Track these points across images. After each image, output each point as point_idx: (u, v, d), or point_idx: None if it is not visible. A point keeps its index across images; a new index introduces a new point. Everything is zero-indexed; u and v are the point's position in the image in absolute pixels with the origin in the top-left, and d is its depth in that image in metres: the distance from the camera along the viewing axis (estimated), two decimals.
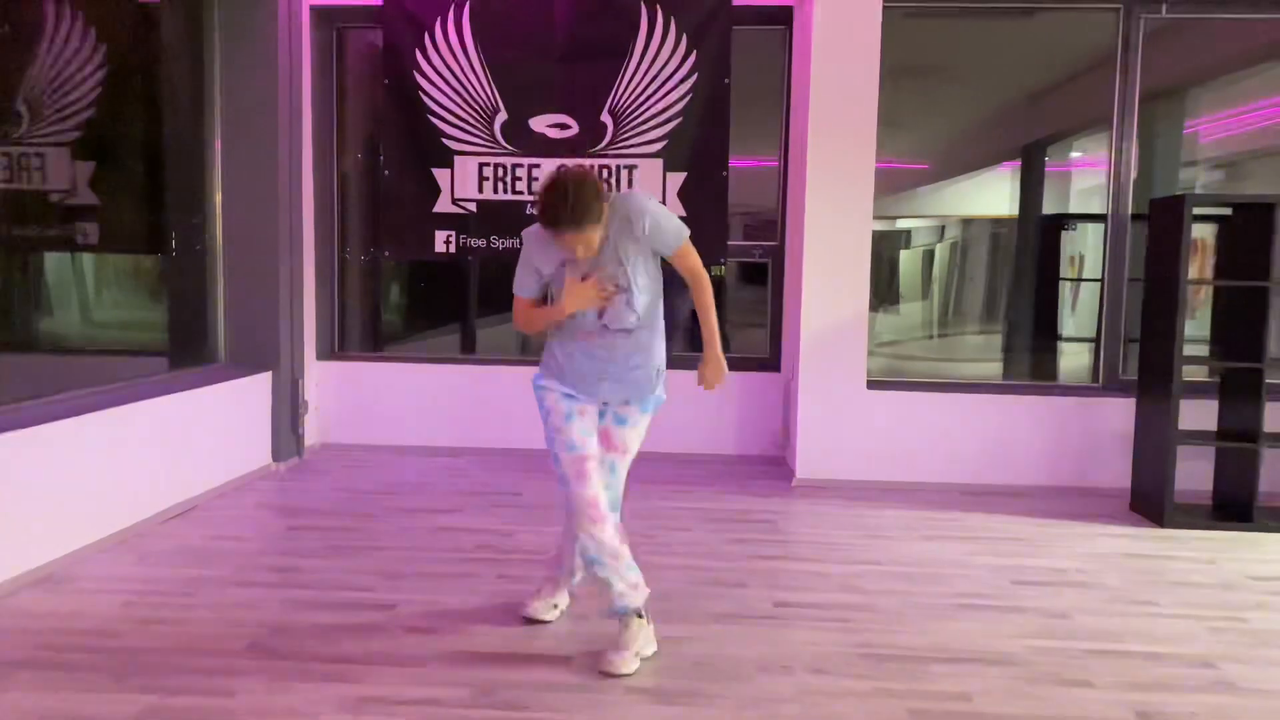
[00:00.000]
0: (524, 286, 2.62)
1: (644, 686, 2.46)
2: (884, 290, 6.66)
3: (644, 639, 2.59)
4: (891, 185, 6.14)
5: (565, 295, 2.50)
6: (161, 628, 2.80)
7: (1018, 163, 6.49)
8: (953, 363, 6.44)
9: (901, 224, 7.22)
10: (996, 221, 6.48)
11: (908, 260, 6.90)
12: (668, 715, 2.31)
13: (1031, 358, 5.83)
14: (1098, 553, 3.70)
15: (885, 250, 6.75)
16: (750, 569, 3.42)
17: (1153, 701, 2.42)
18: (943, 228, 6.86)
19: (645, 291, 2.54)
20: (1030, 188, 6.11)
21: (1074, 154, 6.17)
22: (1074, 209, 5.86)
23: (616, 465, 2.68)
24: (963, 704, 2.39)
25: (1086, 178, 5.68)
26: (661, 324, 2.67)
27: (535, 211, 2.43)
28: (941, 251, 6.84)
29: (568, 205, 2.32)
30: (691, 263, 2.59)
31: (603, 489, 2.58)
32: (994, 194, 6.81)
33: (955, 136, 6.25)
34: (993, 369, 5.91)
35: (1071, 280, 5.63)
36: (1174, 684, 2.53)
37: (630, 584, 2.59)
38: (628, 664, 2.51)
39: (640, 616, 2.60)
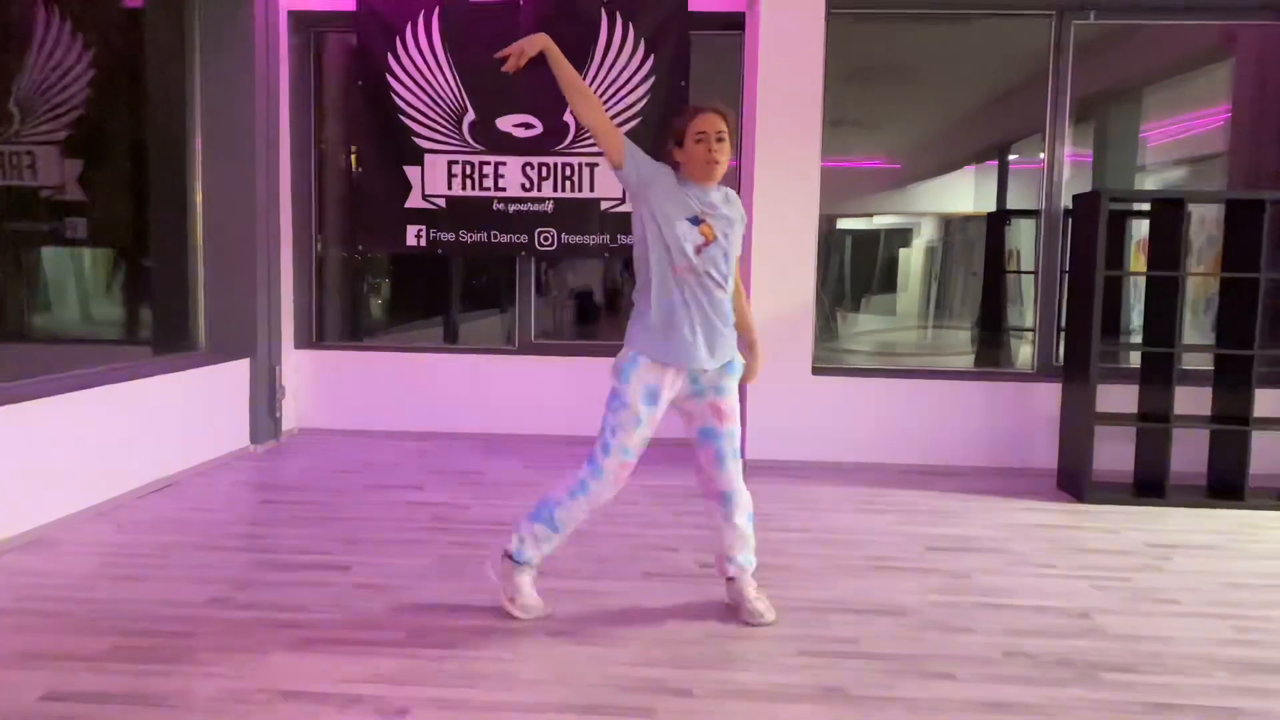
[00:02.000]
0: (630, 150, 2.65)
1: (565, 630, 2.72)
2: (871, 286, 6.94)
3: (517, 583, 2.81)
4: (868, 186, 6.42)
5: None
6: (134, 584, 3.06)
7: (990, 162, 6.74)
8: (925, 356, 6.68)
9: (879, 221, 7.47)
10: (967, 219, 6.73)
11: (902, 257, 7.11)
12: (582, 653, 2.57)
13: (985, 349, 6.09)
14: (1013, 524, 3.97)
15: (872, 249, 7.02)
16: (684, 536, 3.69)
17: (1023, 645, 2.69)
18: (915, 227, 7.10)
19: (733, 259, 2.75)
20: (999, 185, 6.36)
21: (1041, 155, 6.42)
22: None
23: (735, 435, 2.79)
24: (849, 645, 2.66)
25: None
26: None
27: (678, 117, 2.73)
28: (918, 251, 7.07)
29: (714, 105, 2.69)
30: (739, 272, 2.84)
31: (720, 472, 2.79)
32: (961, 193, 7.06)
33: (926, 137, 6.50)
34: (961, 361, 6.16)
35: (1011, 273, 5.89)
36: (1048, 631, 2.80)
37: (537, 541, 2.78)
38: (516, 608, 2.78)
39: (515, 562, 2.80)
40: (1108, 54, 5.33)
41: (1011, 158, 6.46)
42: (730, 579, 2.90)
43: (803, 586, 3.13)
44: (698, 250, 2.65)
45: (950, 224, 6.98)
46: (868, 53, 5.38)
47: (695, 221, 2.65)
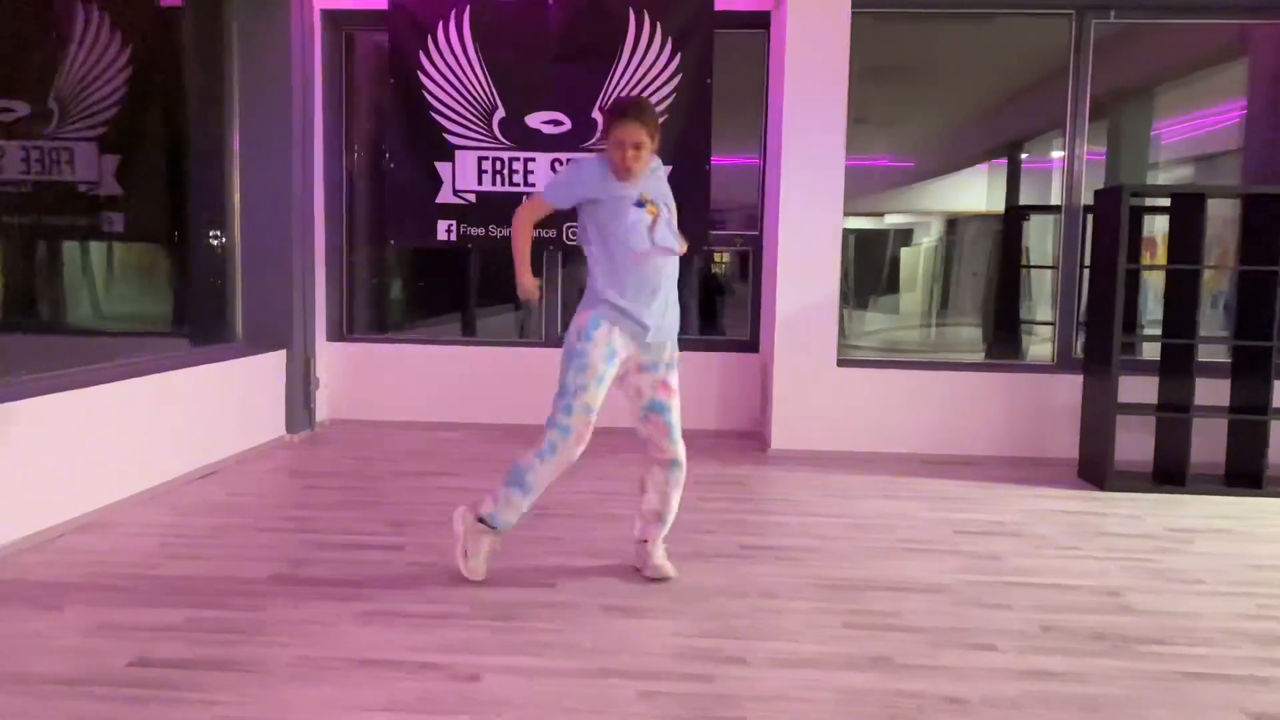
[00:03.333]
0: (555, 196, 2.93)
1: (618, 604, 2.84)
2: (880, 284, 7.05)
3: (478, 544, 2.98)
4: (880, 183, 6.53)
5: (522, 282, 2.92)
6: (194, 562, 3.18)
7: (999, 160, 6.87)
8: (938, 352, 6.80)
9: (890, 220, 7.60)
10: (980, 217, 6.85)
11: (907, 256, 7.25)
12: (638, 626, 2.68)
13: (999, 345, 6.21)
14: (1037, 509, 4.08)
15: (882, 248, 7.14)
16: (720, 519, 3.80)
17: (1058, 620, 2.80)
18: (923, 226, 7.23)
19: (674, 221, 2.93)
20: (1011, 183, 6.49)
21: (1055, 154, 6.53)
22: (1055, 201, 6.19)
23: (676, 407, 2.99)
24: (892, 619, 2.77)
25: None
26: None
27: (604, 116, 2.91)
28: (929, 247, 7.19)
29: (635, 103, 2.86)
30: None
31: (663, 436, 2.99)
32: (972, 193, 7.19)
33: (942, 134, 6.61)
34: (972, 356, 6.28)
35: (1026, 267, 6.00)
36: (1080, 607, 2.91)
37: (510, 504, 2.94)
38: (465, 565, 2.98)
39: (485, 525, 2.97)
40: (1121, 52, 5.43)
41: (1023, 156, 6.58)
42: (645, 541, 3.09)
43: (839, 566, 3.24)
44: (650, 229, 2.84)
45: (956, 223, 7.10)
46: (881, 51, 5.48)
47: (640, 205, 2.84)
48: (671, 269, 2.94)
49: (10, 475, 3.24)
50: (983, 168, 7.03)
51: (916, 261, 7.37)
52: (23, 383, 3.49)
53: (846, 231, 6.02)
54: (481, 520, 2.97)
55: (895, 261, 7.43)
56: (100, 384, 3.75)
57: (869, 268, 7.35)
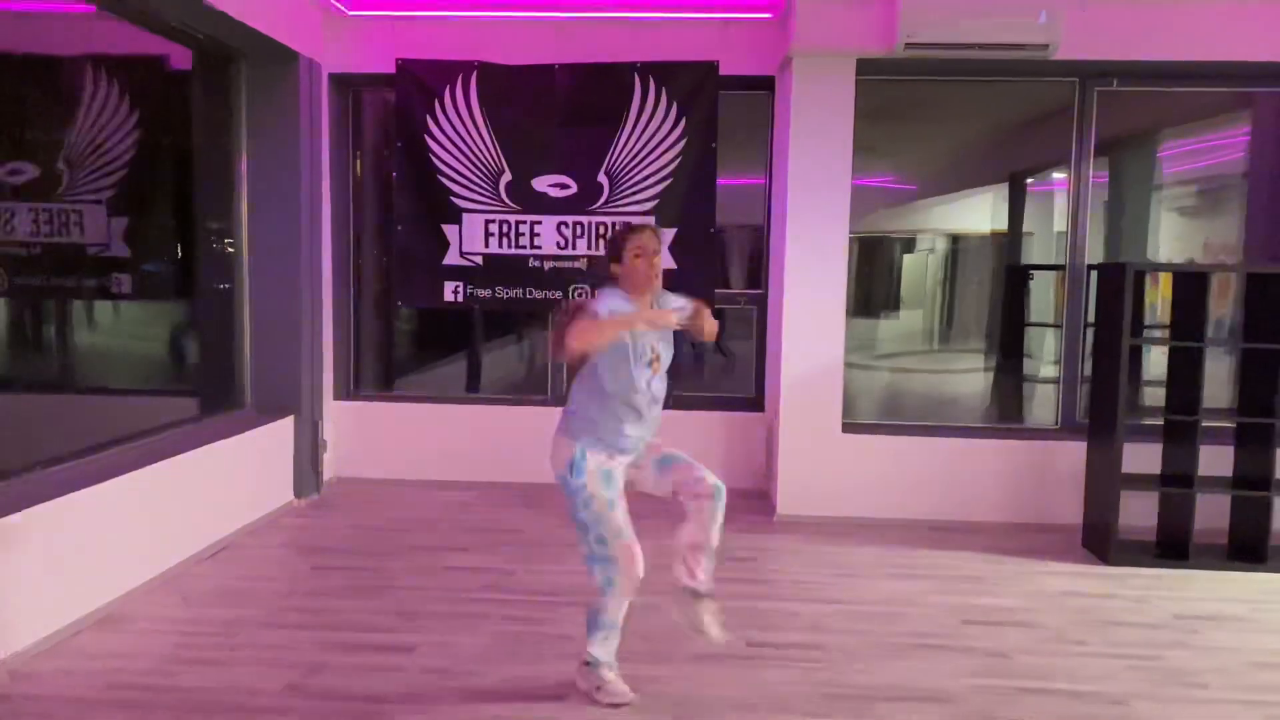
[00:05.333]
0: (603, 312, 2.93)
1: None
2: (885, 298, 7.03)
3: (600, 677, 3.02)
4: (882, 200, 6.53)
5: (643, 315, 2.85)
6: (208, 669, 3.20)
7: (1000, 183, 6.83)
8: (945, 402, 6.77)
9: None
10: (982, 239, 6.80)
11: (910, 265, 7.18)
12: None
13: (1004, 402, 6.22)
14: (1043, 591, 4.11)
15: (885, 254, 7.10)
16: (729, 608, 3.80)
17: None
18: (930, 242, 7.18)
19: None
20: (1015, 209, 6.44)
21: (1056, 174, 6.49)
22: (1056, 225, 6.18)
23: (668, 453, 3.03)
24: None
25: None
26: None
27: (614, 239, 2.93)
28: (933, 261, 7.13)
29: (646, 224, 2.98)
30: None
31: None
32: (979, 212, 7.12)
33: (943, 166, 6.60)
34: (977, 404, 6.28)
35: (1028, 325, 6.02)
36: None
37: (605, 643, 3.00)
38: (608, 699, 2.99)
39: (592, 667, 3.03)
40: (1127, 100, 5.41)
41: (1029, 181, 6.53)
42: (695, 587, 3.02)
43: (849, 671, 3.27)
44: (648, 383, 2.94)
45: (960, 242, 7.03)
46: (885, 94, 5.45)
47: (650, 364, 2.93)
48: (659, 408, 3.01)
49: (24, 579, 3.27)
50: (986, 193, 7.00)
51: (920, 270, 7.28)
52: (36, 483, 3.52)
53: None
54: (588, 664, 3.02)
55: (896, 270, 7.34)
56: (113, 477, 3.77)
57: (868, 271, 7.25)
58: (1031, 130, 5.91)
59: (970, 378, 6.39)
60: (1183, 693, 3.16)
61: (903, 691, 3.12)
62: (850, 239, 5.11)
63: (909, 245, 7.27)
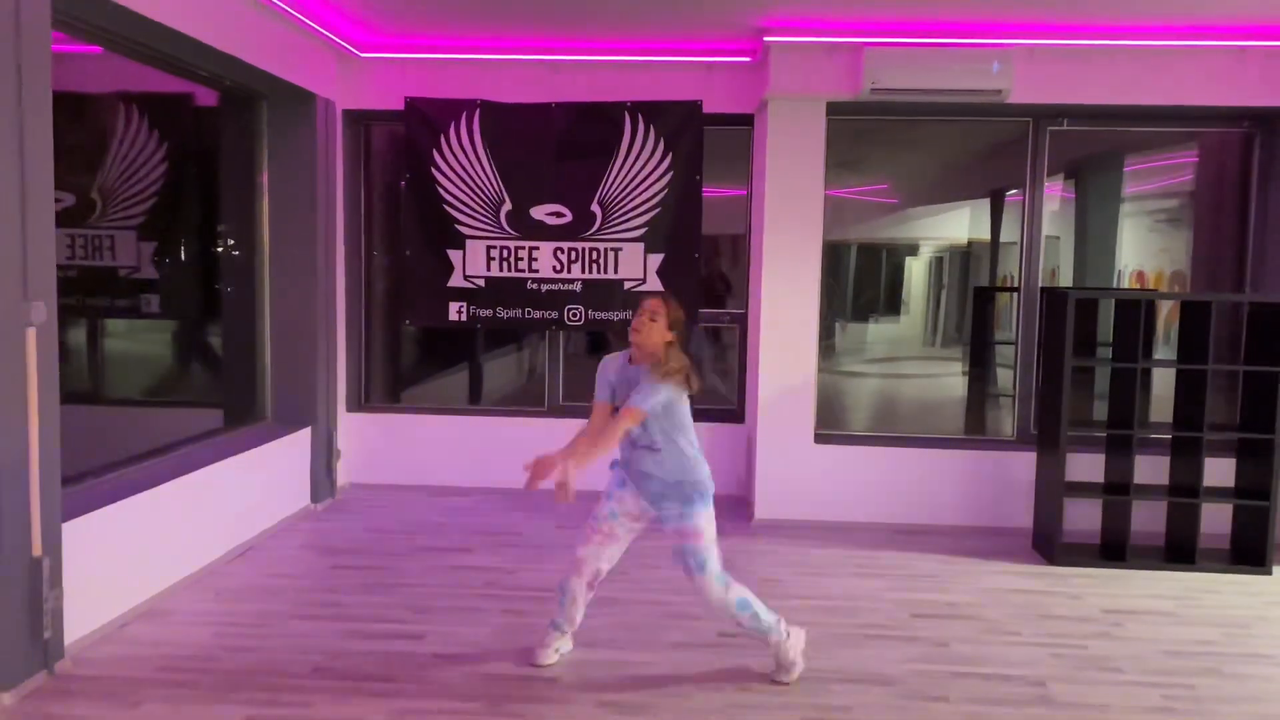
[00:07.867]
0: (599, 393, 3.51)
1: (613, 700, 3.32)
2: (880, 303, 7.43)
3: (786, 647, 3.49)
4: (865, 212, 6.94)
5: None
6: (245, 655, 3.66)
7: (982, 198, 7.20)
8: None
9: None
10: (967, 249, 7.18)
11: (906, 272, 7.54)
12: None
13: (972, 415, 6.64)
14: (990, 588, 4.56)
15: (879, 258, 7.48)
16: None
17: (984, 713, 3.28)
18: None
19: (657, 421, 3.36)
20: (995, 221, 6.81)
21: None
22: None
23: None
24: (844, 714, 3.25)
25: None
26: (688, 448, 3.43)
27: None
28: (918, 266, 7.48)
29: (653, 293, 3.55)
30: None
31: (597, 558, 3.56)
32: (958, 223, 7.50)
33: (921, 184, 6.98)
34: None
35: (993, 343, 6.46)
36: (1008, 700, 3.39)
37: (767, 630, 3.46)
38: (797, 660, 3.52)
39: (780, 640, 3.48)
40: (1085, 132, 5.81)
41: (1010, 193, 6.89)
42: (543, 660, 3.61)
43: (807, 657, 3.71)
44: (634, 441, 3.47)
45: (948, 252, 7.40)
46: (859, 124, 5.86)
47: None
48: (651, 456, 3.43)
49: (83, 575, 3.73)
50: (969, 205, 7.36)
51: (914, 277, 7.61)
52: (95, 490, 3.99)
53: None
54: (776, 644, 3.47)
55: (894, 273, 7.67)
56: (157, 485, 4.24)
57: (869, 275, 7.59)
58: (1009, 150, 6.29)
59: (956, 383, 6.80)
60: (1098, 676, 3.60)
61: (852, 675, 3.56)
62: (852, 244, 5.54)
63: (908, 251, 7.63)
